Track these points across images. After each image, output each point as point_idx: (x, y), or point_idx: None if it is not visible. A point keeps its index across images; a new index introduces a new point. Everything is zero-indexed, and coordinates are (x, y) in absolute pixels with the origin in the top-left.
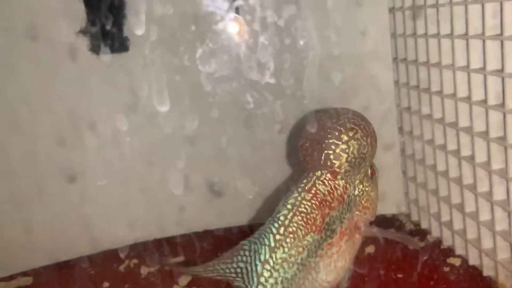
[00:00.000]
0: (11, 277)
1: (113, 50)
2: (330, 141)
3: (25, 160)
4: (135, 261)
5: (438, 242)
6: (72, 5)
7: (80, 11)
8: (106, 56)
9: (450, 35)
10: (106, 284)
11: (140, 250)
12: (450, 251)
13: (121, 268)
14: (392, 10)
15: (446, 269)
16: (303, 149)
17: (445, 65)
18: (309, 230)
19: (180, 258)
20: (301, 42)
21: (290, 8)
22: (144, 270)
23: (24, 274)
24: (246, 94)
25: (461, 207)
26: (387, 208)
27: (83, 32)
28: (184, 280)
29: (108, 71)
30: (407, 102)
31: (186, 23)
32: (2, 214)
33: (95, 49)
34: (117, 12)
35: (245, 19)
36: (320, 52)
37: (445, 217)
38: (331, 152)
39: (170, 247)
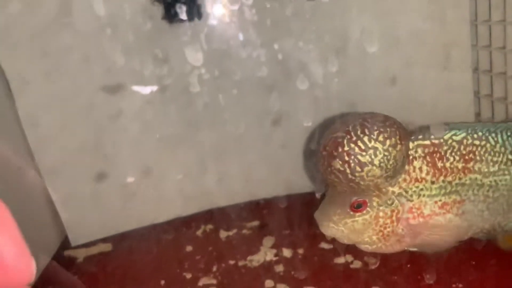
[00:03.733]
0: None
1: (187, 18)
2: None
3: (233, 106)
4: None
5: None
6: None
7: None
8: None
9: None
10: None
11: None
12: None
13: None
14: None
15: None
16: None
17: None
18: None
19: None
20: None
21: None
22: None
23: None
24: None
25: None
26: None
27: (158, 0)
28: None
29: (315, 18)
30: (488, 89)
31: None
32: (201, 163)
33: (168, 17)
34: None
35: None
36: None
37: None
38: None
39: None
